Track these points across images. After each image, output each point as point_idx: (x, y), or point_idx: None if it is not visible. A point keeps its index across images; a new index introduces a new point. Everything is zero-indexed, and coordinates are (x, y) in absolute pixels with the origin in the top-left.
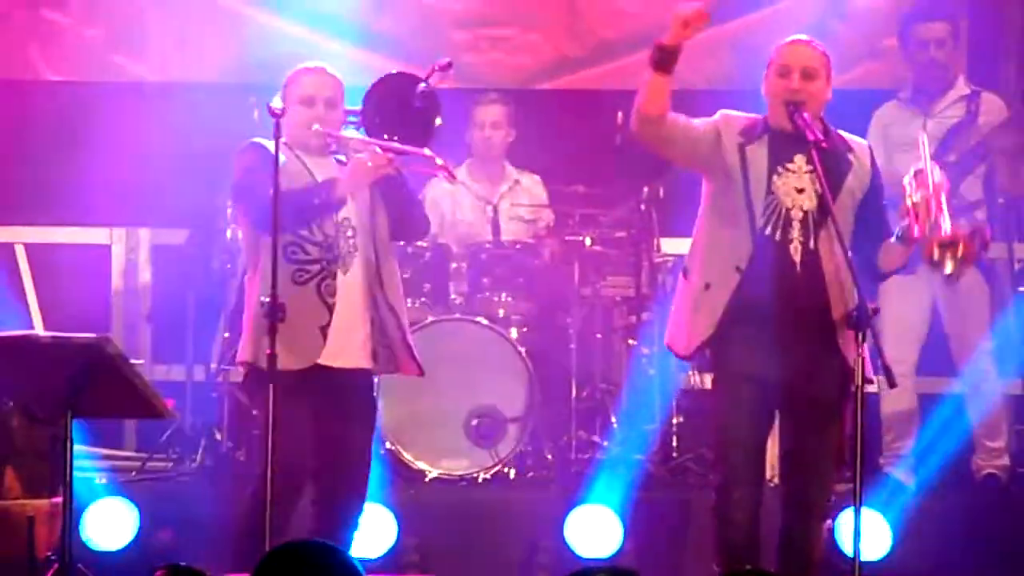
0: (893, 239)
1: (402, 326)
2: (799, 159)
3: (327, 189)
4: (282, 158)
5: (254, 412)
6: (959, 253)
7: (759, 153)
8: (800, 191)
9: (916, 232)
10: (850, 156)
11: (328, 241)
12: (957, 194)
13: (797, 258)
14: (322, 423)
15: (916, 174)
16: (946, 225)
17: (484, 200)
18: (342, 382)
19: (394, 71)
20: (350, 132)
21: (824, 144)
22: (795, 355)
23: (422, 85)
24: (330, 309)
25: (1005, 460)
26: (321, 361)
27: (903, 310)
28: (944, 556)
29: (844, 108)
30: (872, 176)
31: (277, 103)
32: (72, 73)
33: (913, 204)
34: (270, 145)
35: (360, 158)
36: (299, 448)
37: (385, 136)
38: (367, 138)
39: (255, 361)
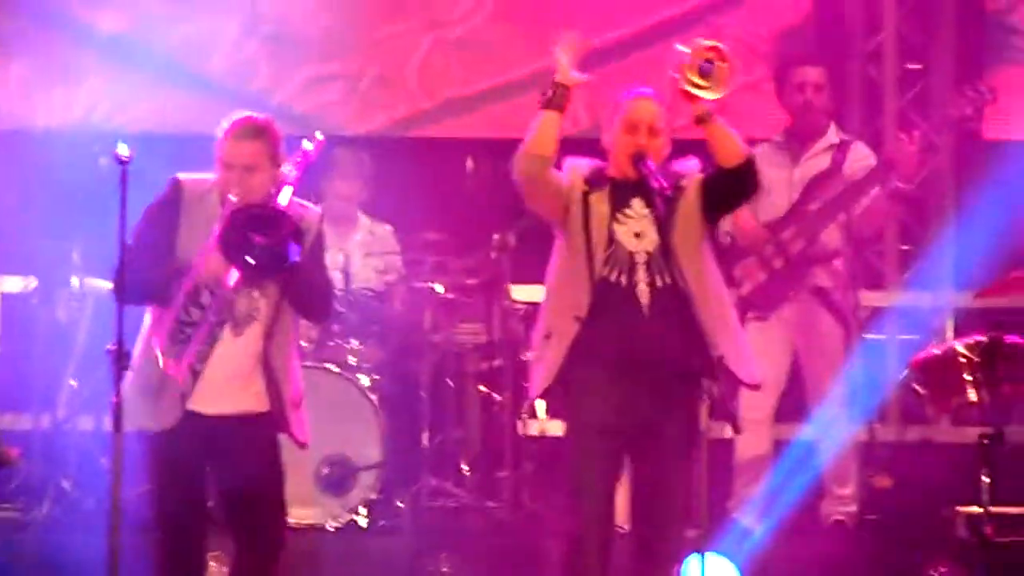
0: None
1: (281, 396)
2: (636, 203)
3: (177, 275)
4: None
5: (102, 460)
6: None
7: (600, 201)
8: (638, 235)
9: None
10: (682, 183)
11: (218, 305)
12: (818, 242)
13: (645, 300)
14: (219, 473)
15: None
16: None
17: (335, 247)
18: (225, 428)
19: (251, 208)
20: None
21: (668, 191)
22: (645, 400)
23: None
24: (196, 376)
25: (853, 507)
26: (191, 408)
27: (762, 356)
28: None
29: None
30: (701, 183)
31: (123, 150)
32: None
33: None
34: (186, 179)
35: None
36: (178, 507)
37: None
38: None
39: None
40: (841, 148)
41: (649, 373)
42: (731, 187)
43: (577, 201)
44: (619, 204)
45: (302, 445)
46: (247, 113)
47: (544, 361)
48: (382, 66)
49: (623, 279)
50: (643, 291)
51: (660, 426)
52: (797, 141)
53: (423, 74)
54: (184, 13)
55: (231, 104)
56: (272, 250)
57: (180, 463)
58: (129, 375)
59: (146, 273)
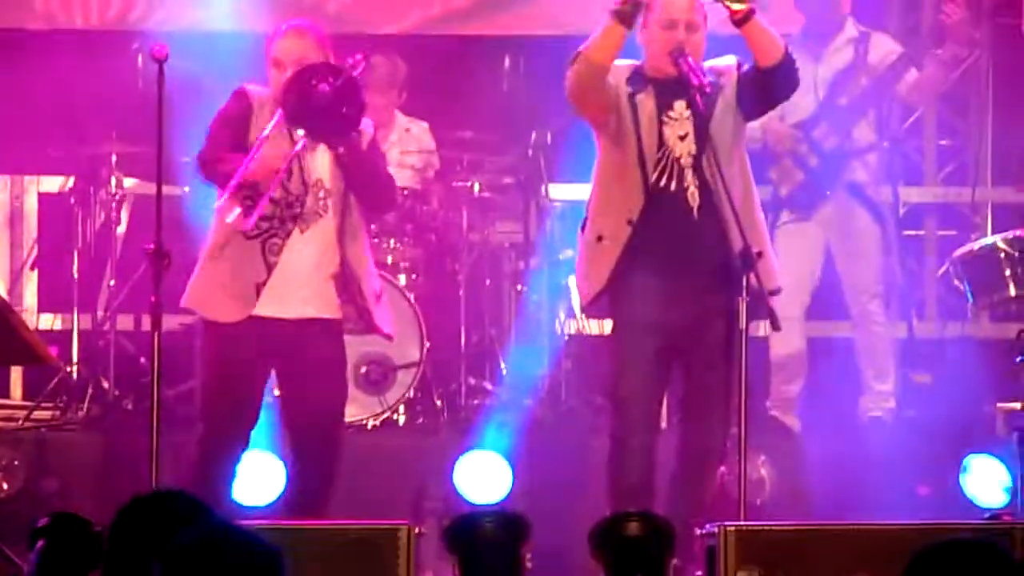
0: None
1: (363, 291)
2: (679, 105)
3: (238, 167)
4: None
5: (141, 360)
6: None
7: (647, 103)
8: (683, 137)
9: None
10: (720, 80)
11: (289, 199)
12: (849, 138)
13: (695, 204)
14: (279, 377)
15: None
16: None
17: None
18: (289, 333)
19: (316, 63)
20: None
21: (708, 88)
22: (693, 303)
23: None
24: (269, 268)
25: (891, 403)
26: (258, 312)
27: (795, 254)
28: (829, 498)
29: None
30: (737, 78)
31: (160, 50)
32: None
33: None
34: (253, 90)
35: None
36: (232, 400)
37: (303, 130)
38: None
39: (191, 307)
40: (862, 40)
41: (694, 274)
42: (772, 85)
43: (624, 103)
44: (663, 106)
45: (389, 337)
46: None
47: (595, 264)
48: None
49: (672, 184)
50: (692, 195)
51: (703, 326)
52: (815, 40)
53: None
54: None
55: (265, 3)
56: (337, 98)
57: (243, 360)
58: (203, 261)
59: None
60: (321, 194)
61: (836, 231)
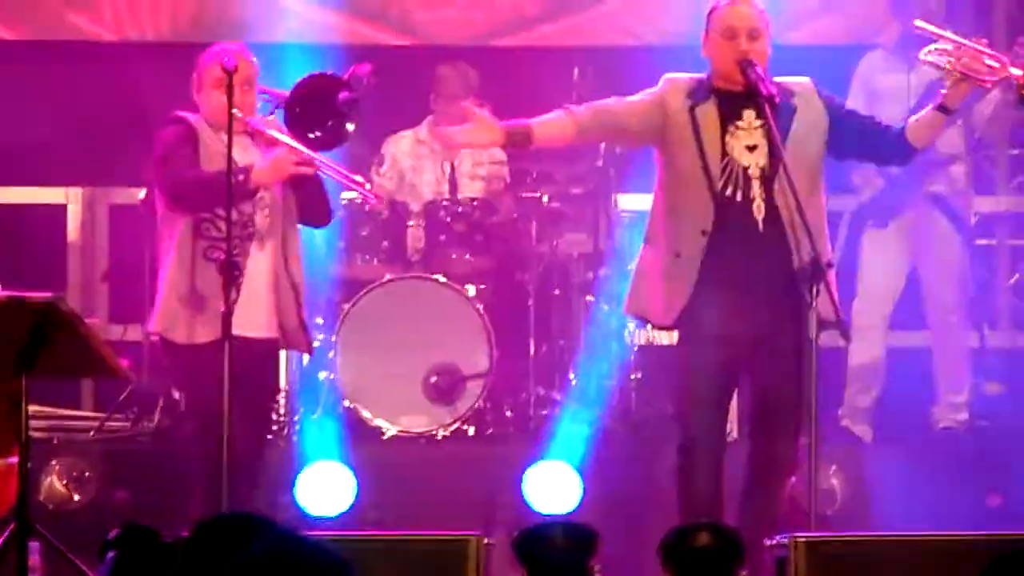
0: (931, 110)
1: (300, 303)
2: (748, 115)
3: (245, 176)
4: (204, 134)
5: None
6: None
7: (710, 114)
8: (752, 148)
9: (989, 83)
10: (793, 101)
11: (243, 219)
12: (934, 147)
13: (760, 216)
14: (237, 391)
15: (932, 52)
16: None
17: (442, 157)
18: (250, 351)
19: (326, 72)
20: (266, 117)
21: (777, 98)
22: (761, 313)
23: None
24: (237, 288)
25: (964, 414)
26: (234, 331)
27: (879, 263)
28: (899, 509)
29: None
30: (825, 104)
31: (230, 61)
32: (29, 32)
33: (958, 68)
34: (191, 116)
35: (284, 153)
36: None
37: (310, 135)
38: (288, 137)
39: (164, 333)
40: None
41: (760, 286)
42: (898, 157)
43: (683, 114)
44: (730, 116)
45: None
46: None
47: (677, 280)
48: None
49: (739, 195)
50: (759, 207)
51: (773, 336)
52: (910, 47)
53: None
54: None
55: (333, 15)
56: (348, 109)
57: (216, 377)
58: (167, 286)
59: (216, 179)
60: (266, 212)
61: (918, 240)
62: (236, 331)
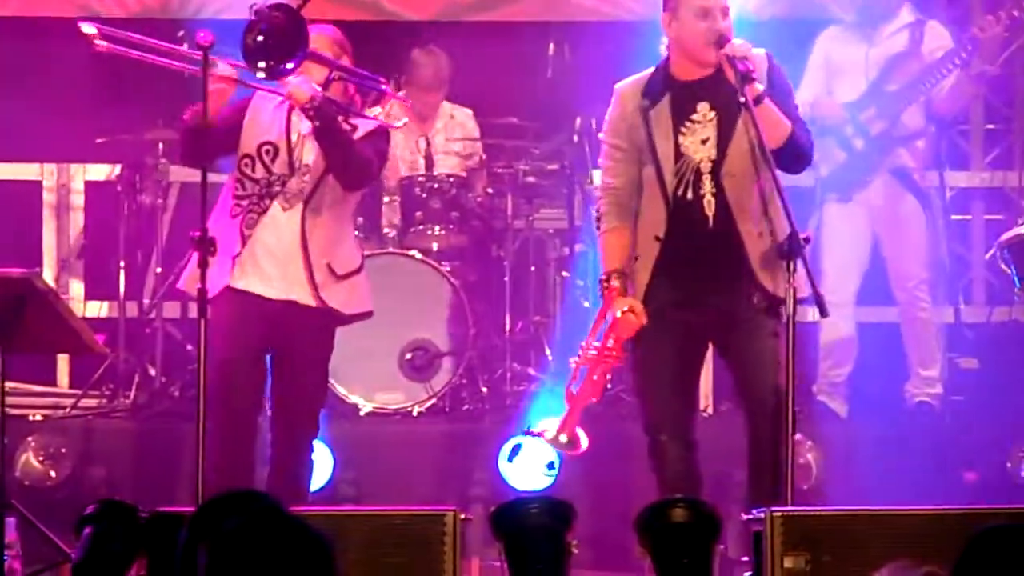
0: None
1: (309, 269)
2: (702, 108)
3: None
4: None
5: (188, 347)
6: None
7: (663, 114)
8: (705, 141)
9: None
10: (754, 74)
11: (270, 179)
12: (898, 123)
13: (711, 212)
14: (270, 352)
15: None
16: None
17: (417, 134)
18: (256, 307)
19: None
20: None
21: (755, 73)
22: (715, 302)
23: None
24: (244, 240)
25: (938, 388)
26: (236, 285)
27: (843, 239)
28: (875, 483)
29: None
30: (768, 81)
31: (204, 37)
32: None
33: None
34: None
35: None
36: (232, 379)
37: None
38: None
39: (182, 284)
40: (917, 26)
41: (720, 276)
42: (780, 161)
43: (638, 123)
44: (684, 112)
45: (343, 319)
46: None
47: (634, 281)
48: None
49: (689, 193)
50: (708, 203)
51: (735, 318)
52: (869, 22)
53: None
54: None
55: None
56: (286, 24)
57: (230, 332)
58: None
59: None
60: (306, 177)
61: (882, 216)
62: (245, 287)
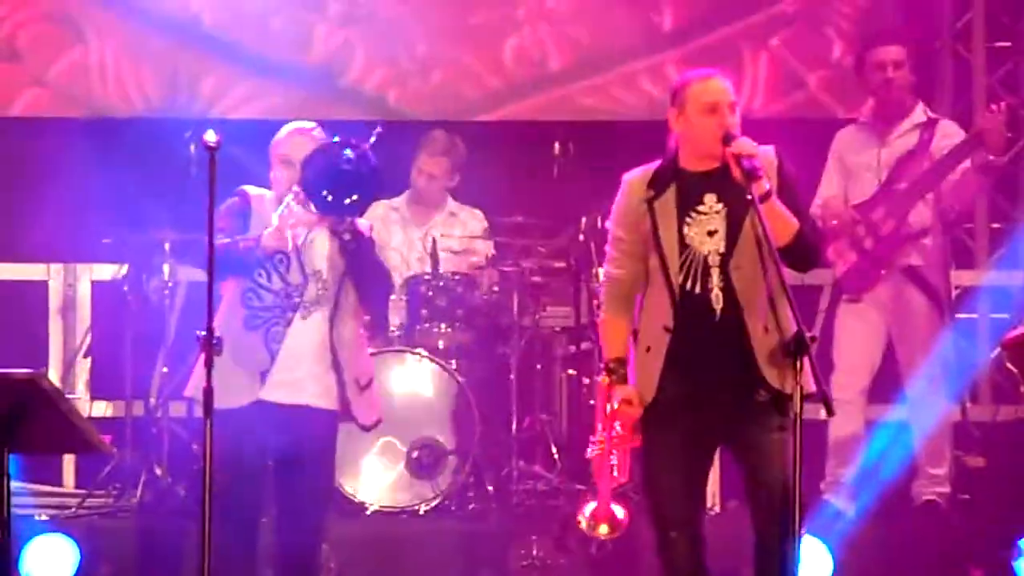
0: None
1: (339, 374)
2: (709, 199)
3: (256, 242)
4: (263, 207)
5: (194, 447)
6: None
7: (668, 205)
8: (712, 233)
9: None
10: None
11: (288, 290)
12: (906, 221)
13: (718, 306)
14: (276, 459)
15: None
16: None
17: (420, 228)
18: (283, 417)
19: (335, 142)
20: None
21: (760, 171)
22: (723, 399)
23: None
24: (272, 355)
25: (946, 487)
26: (264, 397)
27: (855, 336)
28: None
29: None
30: (777, 177)
31: (211, 137)
32: (7, 109)
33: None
34: (252, 191)
35: (283, 213)
36: (245, 485)
37: (324, 193)
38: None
39: (196, 395)
40: (928, 126)
41: (727, 373)
42: (785, 261)
43: (643, 215)
44: (689, 203)
45: (365, 428)
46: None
47: (645, 373)
48: (472, 50)
49: (697, 287)
50: (716, 296)
51: (743, 421)
52: (883, 121)
53: (516, 57)
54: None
55: (322, 92)
56: (357, 167)
57: (250, 443)
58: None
59: (225, 246)
60: (319, 285)
61: (893, 314)
62: (271, 397)
